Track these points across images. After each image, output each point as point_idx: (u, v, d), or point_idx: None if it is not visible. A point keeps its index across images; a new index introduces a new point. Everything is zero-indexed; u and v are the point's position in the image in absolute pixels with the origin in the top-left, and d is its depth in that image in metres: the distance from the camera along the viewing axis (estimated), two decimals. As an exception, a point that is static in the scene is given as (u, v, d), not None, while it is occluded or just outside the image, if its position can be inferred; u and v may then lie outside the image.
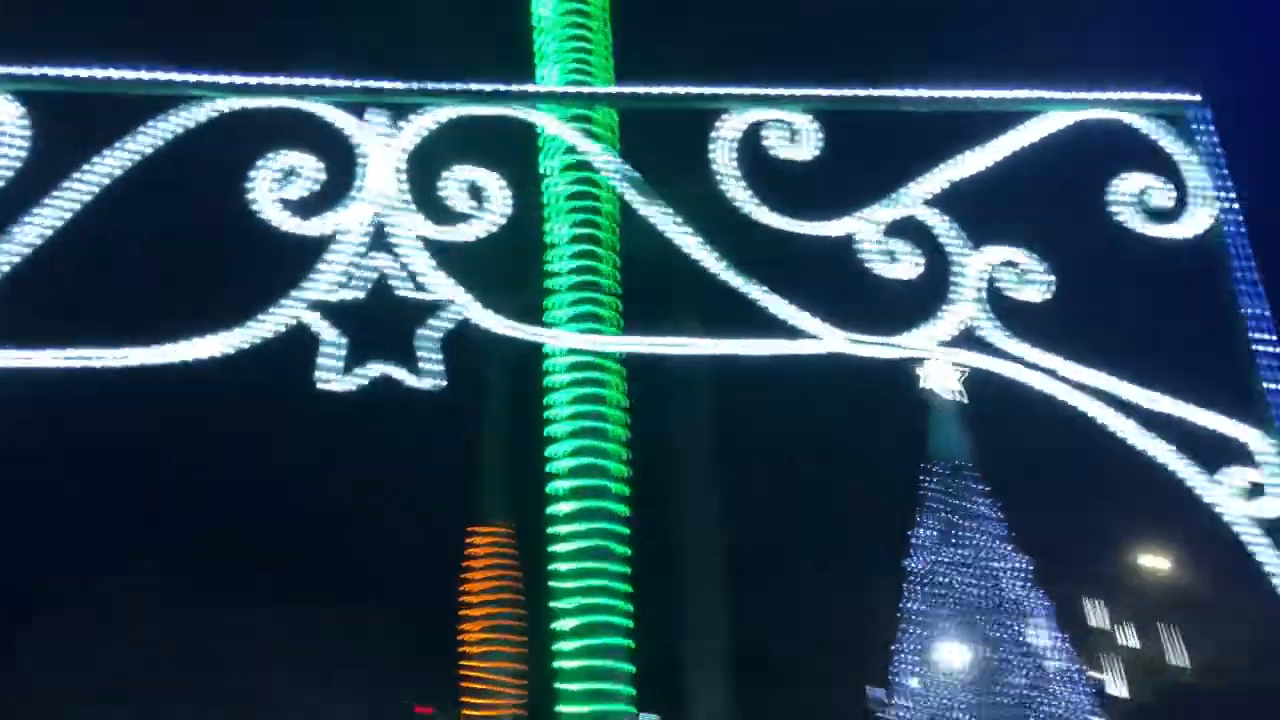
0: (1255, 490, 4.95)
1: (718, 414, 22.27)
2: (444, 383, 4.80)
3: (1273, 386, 4.98)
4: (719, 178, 5.25)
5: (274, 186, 4.95)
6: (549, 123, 5.47)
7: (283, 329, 4.86)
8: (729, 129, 5.24)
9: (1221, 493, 5.03)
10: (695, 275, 6.07)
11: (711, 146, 5.27)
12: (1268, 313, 5.02)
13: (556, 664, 10.94)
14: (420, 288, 4.90)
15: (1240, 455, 5.10)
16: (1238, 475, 5.01)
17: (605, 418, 11.18)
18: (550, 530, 11.34)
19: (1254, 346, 5.04)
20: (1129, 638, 30.48)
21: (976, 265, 5.16)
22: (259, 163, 5.03)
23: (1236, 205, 5.19)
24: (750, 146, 5.30)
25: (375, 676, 38.25)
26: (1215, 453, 5.29)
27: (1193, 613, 28.47)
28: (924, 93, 5.36)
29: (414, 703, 46.28)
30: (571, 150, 9.47)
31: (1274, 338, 5.02)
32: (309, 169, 4.99)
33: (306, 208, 4.96)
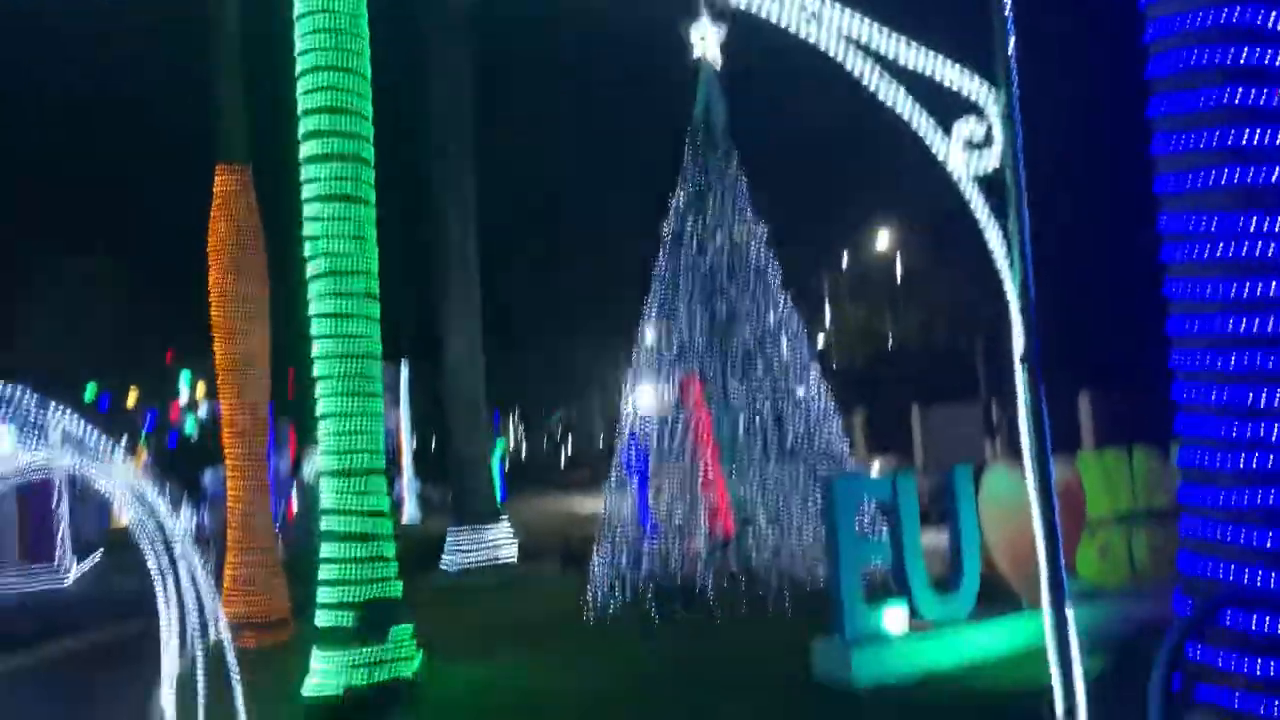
0: (978, 144, 5.30)
1: (480, 64, 21.43)
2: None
3: (1006, 46, 5.19)
4: None
5: None
6: None
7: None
8: None
9: (949, 147, 5.35)
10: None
11: None
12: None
13: (307, 301, 10.75)
14: None
15: (973, 112, 5.38)
16: (966, 129, 5.31)
17: (352, 50, 10.35)
18: (299, 172, 10.73)
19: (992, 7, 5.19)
20: (849, 303, 33.72)
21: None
22: None
23: None
24: None
25: (121, 324, 36.91)
26: (951, 111, 5.57)
27: (907, 282, 31.68)
28: None
29: (166, 348, 45.30)
30: None
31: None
32: None
33: None
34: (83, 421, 7.90)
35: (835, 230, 31.69)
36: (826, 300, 33.35)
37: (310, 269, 10.50)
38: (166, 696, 9.32)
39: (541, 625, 13.45)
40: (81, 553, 24.77)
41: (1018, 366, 5.39)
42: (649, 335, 14.67)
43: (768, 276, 14.57)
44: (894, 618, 9.84)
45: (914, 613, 9.89)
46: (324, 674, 9.98)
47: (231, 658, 6.95)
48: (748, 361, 14.28)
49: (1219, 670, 5.28)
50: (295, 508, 27.86)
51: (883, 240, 32.08)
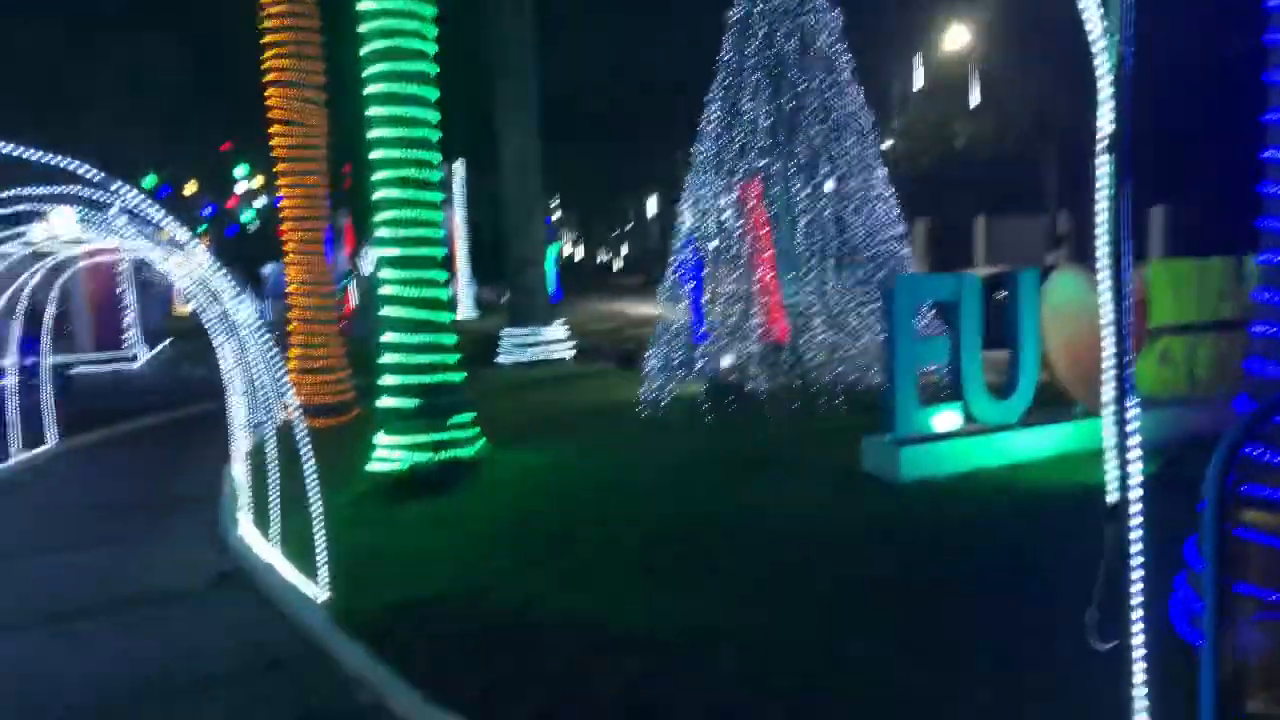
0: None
1: None
2: None
3: None
4: None
5: None
6: None
7: None
8: None
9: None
10: None
11: None
12: None
13: (362, 92, 10.58)
14: None
15: None
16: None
17: None
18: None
19: None
20: (922, 102, 32.38)
21: None
22: None
23: None
24: None
25: (180, 115, 36.75)
26: None
27: (984, 82, 30.23)
28: None
29: (224, 140, 45.27)
30: None
31: None
32: None
33: None
34: (144, 200, 7.95)
35: (912, 21, 29.99)
36: (896, 98, 31.95)
37: (365, 49, 10.27)
38: (239, 468, 9.79)
39: (596, 417, 13.77)
40: (150, 340, 25.68)
41: (1099, 155, 5.13)
42: (710, 132, 14.24)
43: (838, 70, 13.92)
44: (946, 419, 9.88)
45: (968, 415, 9.91)
46: (388, 451, 10.39)
47: (301, 431, 7.20)
48: (812, 161, 13.85)
49: (1276, 468, 5.25)
50: (353, 301, 28.36)
51: (962, 36, 30.41)
